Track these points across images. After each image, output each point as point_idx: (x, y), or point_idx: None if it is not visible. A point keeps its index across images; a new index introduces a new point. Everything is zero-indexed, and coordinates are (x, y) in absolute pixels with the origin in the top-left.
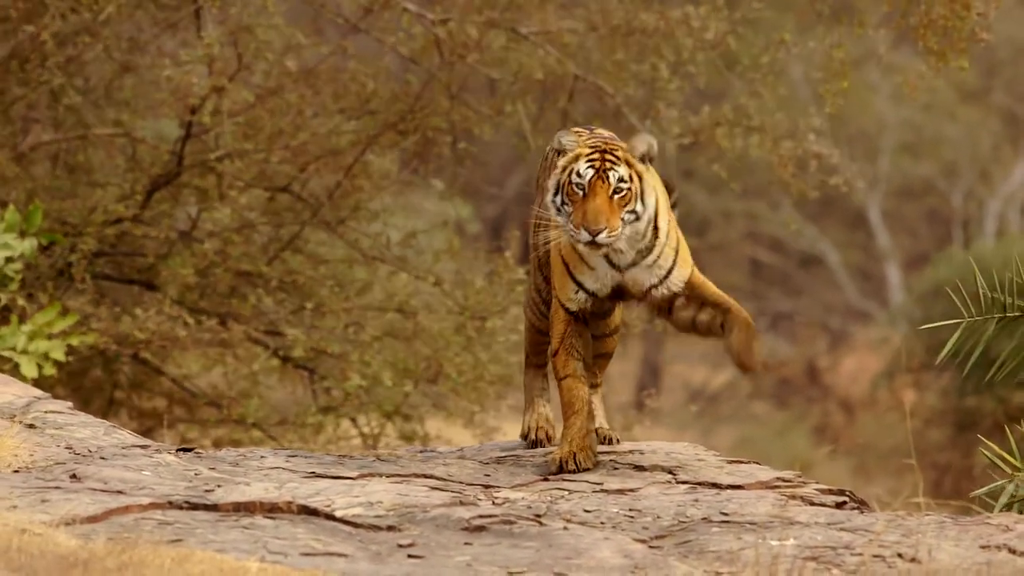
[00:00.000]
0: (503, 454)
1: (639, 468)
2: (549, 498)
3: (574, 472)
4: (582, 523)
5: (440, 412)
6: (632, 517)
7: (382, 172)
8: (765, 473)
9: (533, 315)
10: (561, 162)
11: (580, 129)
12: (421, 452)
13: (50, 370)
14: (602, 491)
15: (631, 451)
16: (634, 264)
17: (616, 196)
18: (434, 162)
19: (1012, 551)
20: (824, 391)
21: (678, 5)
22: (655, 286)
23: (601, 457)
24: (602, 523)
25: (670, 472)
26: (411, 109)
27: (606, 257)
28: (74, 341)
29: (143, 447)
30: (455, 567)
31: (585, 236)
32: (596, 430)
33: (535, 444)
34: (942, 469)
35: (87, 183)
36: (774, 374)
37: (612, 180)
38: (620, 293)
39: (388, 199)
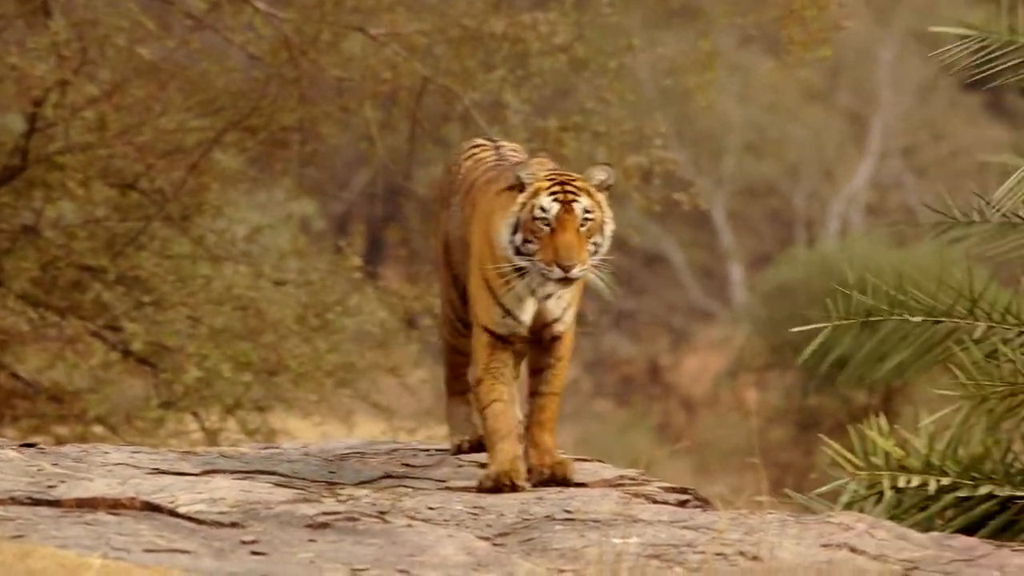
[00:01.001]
0: (347, 451)
1: (483, 466)
2: (393, 496)
3: (510, 490)
4: (426, 520)
5: (282, 404)
6: (476, 515)
7: (228, 169)
8: (608, 471)
9: (450, 334)
10: (520, 198)
11: (483, 142)
12: (265, 449)
13: None
14: (446, 488)
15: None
16: (549, 296)
17: (582, 228)
18: (281, 161)
19: (853, 550)
20: (666, 390)
21: (527, 10)
22: (557, 320)
23: (446, 456)
24: (446, 520)
25: None
26: (258, 107)
27: (529, 286)
28: None
29: None
30: (299, 564)
31: (558, 273)
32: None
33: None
34: (783, 467)
35: None
36: (618, 373)
37: (578, 212)
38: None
39: (234, 196)
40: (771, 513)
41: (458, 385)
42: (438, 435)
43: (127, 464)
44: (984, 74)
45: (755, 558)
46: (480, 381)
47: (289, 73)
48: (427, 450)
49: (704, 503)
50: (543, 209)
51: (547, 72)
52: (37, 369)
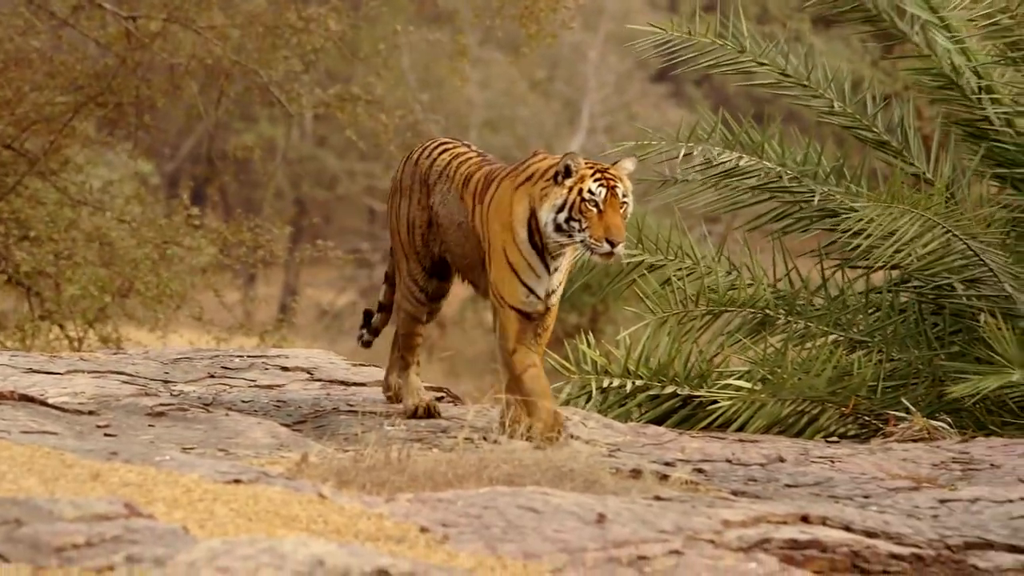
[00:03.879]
0: (179, 356)
1: (285, 369)
2: (215, 391)
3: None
4: (240, 411)
5: (132, 321)
6: (279, 407)
7: (84, 135)
8: (381, 374)
9: (412, 306)
10: (567, 183)
11: (449, 140)
12: (115, 354)
13: None
14: (256, 387)
15: (278, 356)
16: (556, 270)
17: (622, 209)
18: (124, 128)
19: (572, 436)
20: None
21: (314, 5)
22: (551, 293)
23: (254, 361)
24: (256, 411)
25: (308, 372)
26: (108, 86)
27: (544, 262)
28: None
29: None
30: (141, 443)
31: (606, 248)
32: (428, 402)
33: (427, 415)
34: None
35: None
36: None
37: (620, 196)
38: None
39: (90, 155)
40: (508, 408)
41: (412, 356)
42: (248, 344)
43: (7, 365)
44: (665, 64)
45: (495, 442)
46: (514, 351)
47: (131, 59)
48: (241, 356)
49: (456, 399)
50: (592, 192)
51: (329, 53)
52: None
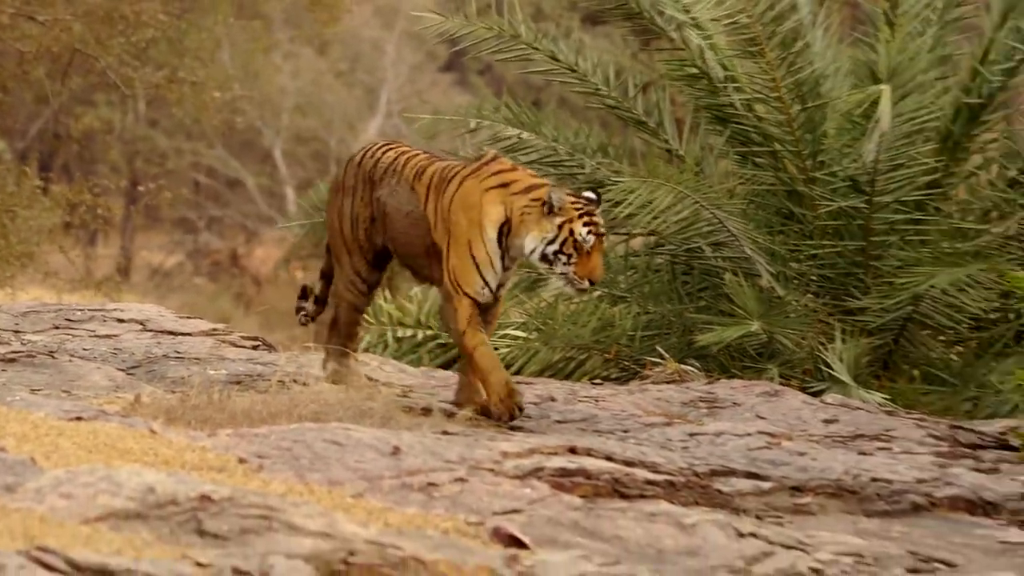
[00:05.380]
0: (27, 310)
1: (121, 321)
2: (60, 341)
3: (520, 413)
4: (81, 358)
5: None
6: (115, 354)
7: None
8: (205, 325)
9: (354, 296)
10: (556, 220)
11: (386, 141)
12: None
13: None
14: (95, 336)
15: (115, 309)
16: (508, 269)
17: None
18: None
19: (369, 378)
20: (243, 270)
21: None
22: (501, 286)
23: (93, 314)
24: (95, 358)
25: (141, 324)
26: None
27: (503, 261)
28: None
29: None
30: None
31: (587, 284)
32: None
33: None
34: (321, 324)
35: None
36: (210, 260)
37: (604, 240)
38: None
39: None
40: (313, 354)
41: (353, 344)
42: (87, 297)
43: None
44: (453, 51)
45: (304, 384)
46: (464, 333)
47: None
48: (82, 309)
49: (270, 347)
50: (583, 237)
51: (159, 45)
52: None
